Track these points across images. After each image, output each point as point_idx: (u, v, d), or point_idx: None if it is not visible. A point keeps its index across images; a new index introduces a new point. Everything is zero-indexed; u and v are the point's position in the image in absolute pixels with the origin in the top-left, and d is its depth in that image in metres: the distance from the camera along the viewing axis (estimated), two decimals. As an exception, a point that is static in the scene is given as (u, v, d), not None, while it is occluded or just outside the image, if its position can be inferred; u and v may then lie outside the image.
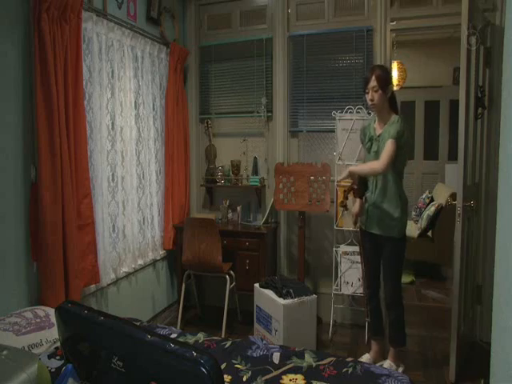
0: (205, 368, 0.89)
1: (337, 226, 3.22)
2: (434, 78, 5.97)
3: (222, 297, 3.20)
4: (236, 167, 3.62)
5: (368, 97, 2.47)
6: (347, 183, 3.15)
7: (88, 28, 2.52)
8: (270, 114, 3.56)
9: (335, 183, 3.18)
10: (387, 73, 2.52)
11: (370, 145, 2.60)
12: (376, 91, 2.43)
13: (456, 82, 5.74)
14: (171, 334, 1.97)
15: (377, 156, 2.48)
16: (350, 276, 3.16)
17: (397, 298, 2.65)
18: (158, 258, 3.44)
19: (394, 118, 2.51)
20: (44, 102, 2.14)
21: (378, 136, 2.53)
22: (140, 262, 3.18)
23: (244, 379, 1.58)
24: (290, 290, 2.79)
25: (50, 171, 2.18)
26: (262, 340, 1.92)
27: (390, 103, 2.53)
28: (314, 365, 1.67)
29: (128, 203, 3.01)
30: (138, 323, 2.07)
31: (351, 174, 2.53)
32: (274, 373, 1.62)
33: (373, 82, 2.43)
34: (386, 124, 2.51)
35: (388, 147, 2.37)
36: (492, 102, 2.96)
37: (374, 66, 2.64)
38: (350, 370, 1.62)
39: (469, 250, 2.80)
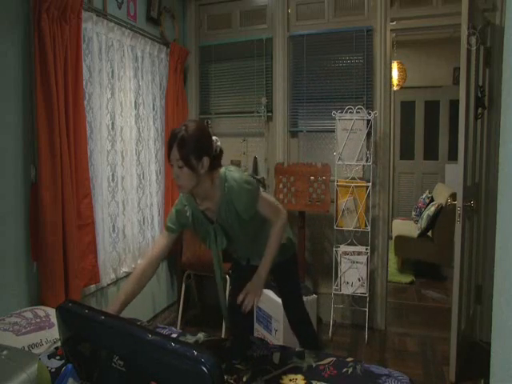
0: (205, 367, 0.89)
1: (337, 226, 3.22)
2: (434, 78, 5.97)
3: (222, 297, 3.20)
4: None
5: (173, 171, 1.61)
6: (348, 183, 3.16)
7: (88, 28, 2.52)
8: (269, 114, 3.56)
9: (335, 183, 3.18)
10: (201, 136, 1.62)
11: (212, 236, 1.80)
12: (180, 167, 1.57)
13: (456, 81, 5.74)
14: (171, 334, 1.97)
15: (232, 242, 1.84)
16: (350, 276, 3.16)
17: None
18: (158, 257, 3.43)
19: (220, 179, 1.71)
20: (44, 102, 2.13)
21: (216, 221, 1.77)
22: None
23: (244, 379, 1.58)
24: (289, 290, 2.77)
25: (50, 171, 2.17)
26: (262, 340, 1.92)
27: (212, 165, 1.67)
28: (313, 365, 1.66)
29: (128, 203, 3.01)
30: (139, 323, 2.07)
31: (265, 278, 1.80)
32: (274, 373, 1.62)
33: (174, 155, 1.57)
34: (214, 198, 1.72)
35: (265, 204, 1.76)
36: (492, 102, 2.96)
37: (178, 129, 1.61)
38: (350, 370, 1.62)
39: (469, 250, 2.80)
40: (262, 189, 1.81)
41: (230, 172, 1.74)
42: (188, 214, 1.80)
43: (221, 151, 1.75)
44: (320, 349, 2.34)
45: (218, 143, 1.72)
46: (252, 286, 1.75)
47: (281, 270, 2.07)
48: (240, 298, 1.72)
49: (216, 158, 1.70)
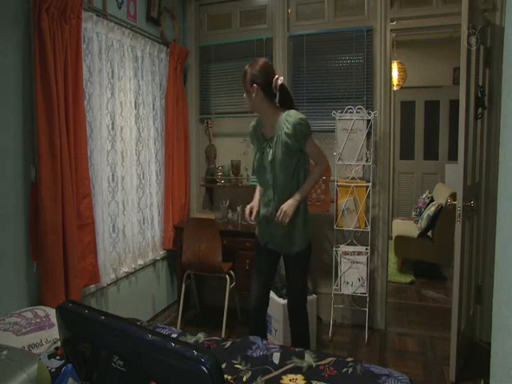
0: (205, 367, 0.89)
1: (337, 226, 3.22)
2: (433, 78, 5.97)
3: (222, 297, 3.20)
4: (236, 167, 3.62)
5: None
6: (348, 183, 3.16)
7: (88, 28, 2.52)
8: (270, 114, 3.56)
9: (335, 183, 3.18)
10: (256, 70, 2.15)
11: (260, 155, 2.25)
12: (243, 92, 2.21)
13: (456, 82, 5.75)
14: (171, 334, 1.97)
15: (273, 167, 2.19)
16: (350, 276, 3.16)
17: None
18: (158, 258, 3.44)
19: (282, 114, 2.17)
20: (44, 101, 2.14)
21: (270, 140, 2.21)
22: (140, 261, 3.18)
23: (244, 379, 1.58)
24: (289, 290, 2.78)
25: (50, 171, 2.18)
26: (262, 340, 1.92)
27: (280, 100, 2.19)
28: (313, 365, 1.66)
29: (128, 203, 3.01)
30: (139, 323, 2.07)
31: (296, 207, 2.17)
32: (274, 373, 1.62)
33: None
34: (274, 125, 2.19)
35: (312, 145, 2.19)
36: (492, 102, 2.96)
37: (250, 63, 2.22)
38: (350, 370, 1.62)
39: (469, 250, 2.80)
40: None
41: (291, 110, 2.17)
42: (253, 138, 2.35)
43: (283, 89, 2.18)
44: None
45: (279, 81, 2.17)
46: (286, 206, 2.15)
47: (295, 261, 2.31)
48: (278, 215, 2.15)
49: (270, 91, 2.16)
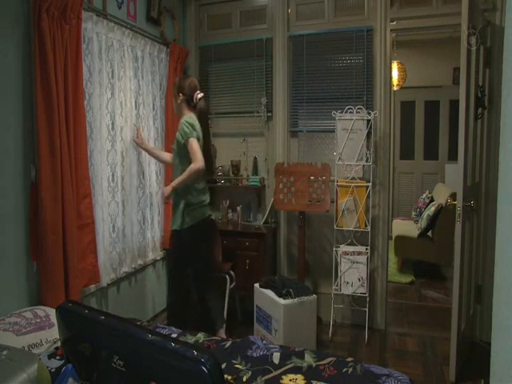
0: (205, 367, 0.89)
1: (337, 226, 3.22)
2: (433, 78, 5.97)
3: (222, 297, 3.20)
4: (236, 167, 3.62)
5: None
6: (348, 183, 3.16)
7: (88, 28, 2.52)
8: (269, 114, 3.57)
9: (335, 183, 3.18)
10: (185, 84, 2.78)
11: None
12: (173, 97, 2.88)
13: (456, 82, 5.75)
14: (171, 334, 1.97)
15: (174, 155, 2.78)
16: (350, 276, 3.16)
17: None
18: (158, 258, 3.44)
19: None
20: (44, 102, 2.13)
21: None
22: (140, 261, 3.18)
23: (244, 379, 1.58)
24: (289, 289, 2.79)
25: (50, 171, 2.17)
26: (262, 340, 1.93)
27: (189, 106, 2.78)
28: (313, 365, 1.67)
29: (128, 203, 3.01)
30: (139, 323, 2.07)
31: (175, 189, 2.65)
32: (274, 373, 1.62)
33: None
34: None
35: (191, 147, 2.61)
36: (492, 102, 2.96)
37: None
38: (350, 370, 1.62)
39: (469, 250, 2.80)
40: (196, 140, 2.63)
41: (183, 120, 2.69)
42: None
43: (201, 101, 2.78)
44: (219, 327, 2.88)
45: (199, 96, 2.78)
46: (165, 188, 2.75)
47: (171, 237, 2.83)
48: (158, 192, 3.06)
49: (191, 101, 2.77)
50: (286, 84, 3.50)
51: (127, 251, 3.02)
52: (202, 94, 2.78)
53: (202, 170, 2.61)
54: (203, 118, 2.78)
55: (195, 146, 2.60)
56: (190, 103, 2.77)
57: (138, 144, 2.95)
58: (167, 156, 3.00)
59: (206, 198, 2.83)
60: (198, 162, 2.58)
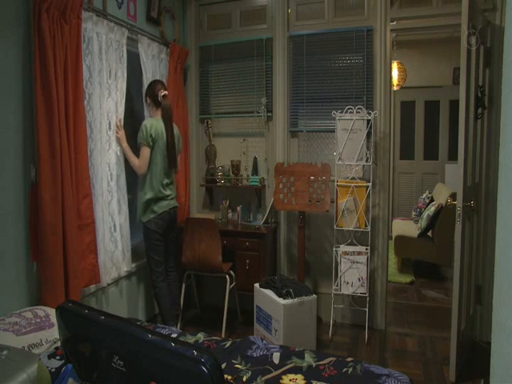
0: (205, 367, 0.89)
1: (337, 226, 3.22)
2: (433, 78, 5.97)
3: (222, 297, 3.20)
4: (236, 167, 3.62)
5: None
6: (348, 183, 3.16)
7: (88, 28, 2.52)
8: (269, 114, 3.57)
9: (335, 183, 3.18)
10: (150, 87, 2.98)
11: None
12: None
13: (456, 81, 5.75)
14: (171, 334, 1.97)
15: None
16: (350, 276, 3.16)
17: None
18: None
19: None
20: (44, 102, 2.13)
21: None
22: (140, 261, 3.18)
23: (244, 379, 1.58)
24: (289, 289, 2.79)
25: (50, 171, 2.17)
26: (262, 340, 1.93)
27: (156, 106, 2.96)
28: (313, 365, 1.67)
29: (125, 202, 3.00)
30: (139, 323, 2.07)
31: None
32: (274, 373, 1.62)
33: None
34: None
35: (141, 153, 2.87)
36: (492, 102, 2.96)
37: None
38: (350, 370, 1.62)
39: (469, 250, 2.80)
40: (147, 148, 2.86)
41: (155, 115, 2.99)
42: None
43: (165, 98, 2.94)
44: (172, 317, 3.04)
45: (162, 94, 2.94)
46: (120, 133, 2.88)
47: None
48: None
49: (157, 101, 2.95)
50: (285, 84, 3.50)
51: (127, 251, 3.02)
52: (165, 92, 2.93)
53: (140, 175, 2.90)
54: (166, 114, 2.93)
55: (145, 153, 2.85)
56: (156, 103, 2.94)
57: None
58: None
59: (171, 192, 3.02)
60: (140, 168, 2.85)
